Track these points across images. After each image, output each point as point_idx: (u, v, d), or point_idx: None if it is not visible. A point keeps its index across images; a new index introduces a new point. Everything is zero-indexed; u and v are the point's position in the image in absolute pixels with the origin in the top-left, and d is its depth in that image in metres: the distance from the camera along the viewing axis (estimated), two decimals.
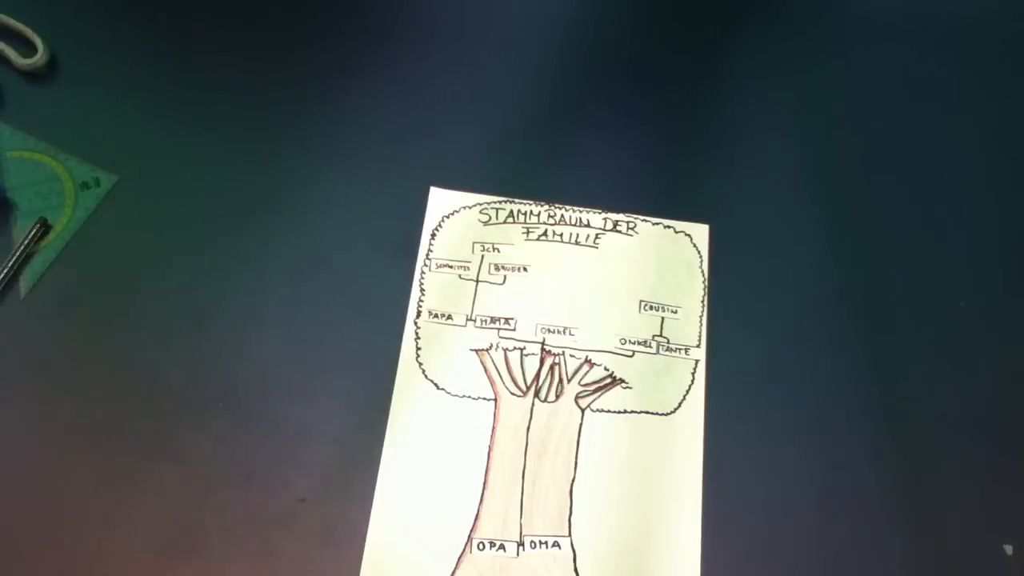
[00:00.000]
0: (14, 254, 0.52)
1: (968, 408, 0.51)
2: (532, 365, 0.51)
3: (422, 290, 0.53)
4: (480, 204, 0.55)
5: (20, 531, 0.46)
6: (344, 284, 0.53)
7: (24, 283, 0.52)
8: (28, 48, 0.57)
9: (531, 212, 0.55)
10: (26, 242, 0.52)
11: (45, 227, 0.53)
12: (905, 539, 0.48)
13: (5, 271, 0.51)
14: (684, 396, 0.51)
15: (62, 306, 0.51)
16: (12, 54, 0.57)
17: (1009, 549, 0.48)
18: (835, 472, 0.49)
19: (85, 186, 0.55)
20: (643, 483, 0.49)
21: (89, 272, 0.52)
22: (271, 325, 0.52)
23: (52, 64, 0.58)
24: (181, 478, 0.47)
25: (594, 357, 0.52)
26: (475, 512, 0.48)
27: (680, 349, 0.52)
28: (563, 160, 0.57)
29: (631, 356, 0.52)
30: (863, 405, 0.51)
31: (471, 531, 0.47)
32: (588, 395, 0.51)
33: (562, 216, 0.55)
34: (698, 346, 0.52)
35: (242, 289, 0.52)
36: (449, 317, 0.52)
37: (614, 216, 0.55)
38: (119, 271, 0.53)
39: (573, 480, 0.49)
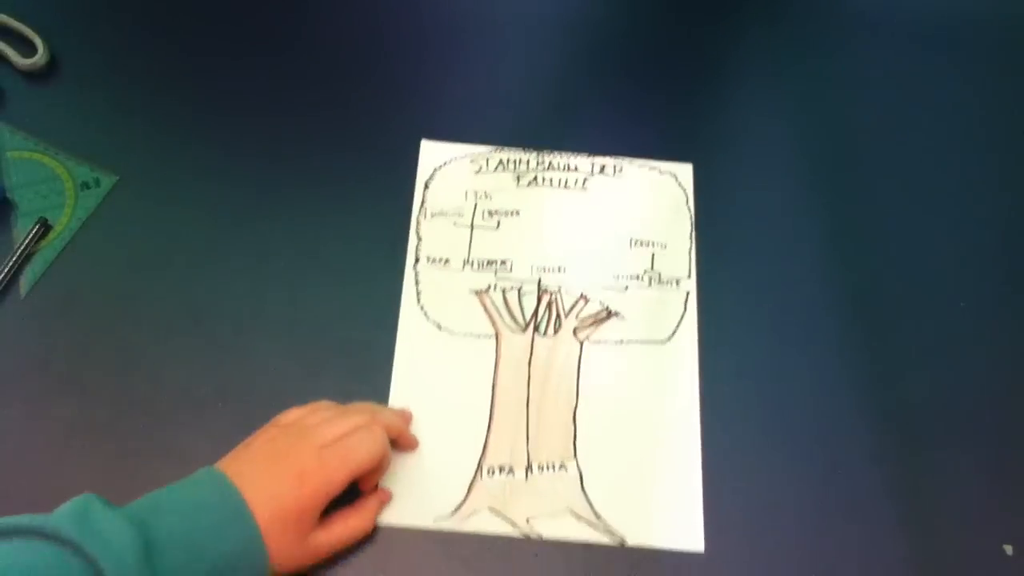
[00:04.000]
0: (14, 254, 0.52)
1: (968, 408, 0.51)
2: (530, 303, 0.53)
3: (419, 238, 0.54)
4: (470, 154, 0.57)
5: None
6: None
7: (24, 283, 0.52)
8: (28, 48, 0.57)
9: (520, 160, 0.57)
10: (26, 242, 0.52)
11: (45, 227, 0.53)
12: (905, 539, 0.48)
13: (5, 271, 0.51)
14: (677, 324, 0.53)
15: (62, 306, 0.51)
16: (12, 54, 0.57)
17: (1009, 549, 0.48)
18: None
19: (85, 186, 0.55)
20: (643, 406, 0.50)
21: (89, 272, 0.52)
22: (271, 323, 0.52)
23: (52, 64, 0.58)
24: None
25: (589, 293, 0.54)
26: (483, 442, 0.49)
27: (671, 281, 0.54)
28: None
29: (625, 290, 0.54)
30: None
31: (480, 459, 0.49)
32: (585, 328, 0.52)
33: (550, 162, 0.57)
34: (689, 277, 0.54)
35: (242, 289, 0.52)
36: (447, 262, 0.54)
37: (601, 160, 0.57)
38: (119, 271, 0.53)
39: (576, 407, 0.50)
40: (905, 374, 0.52)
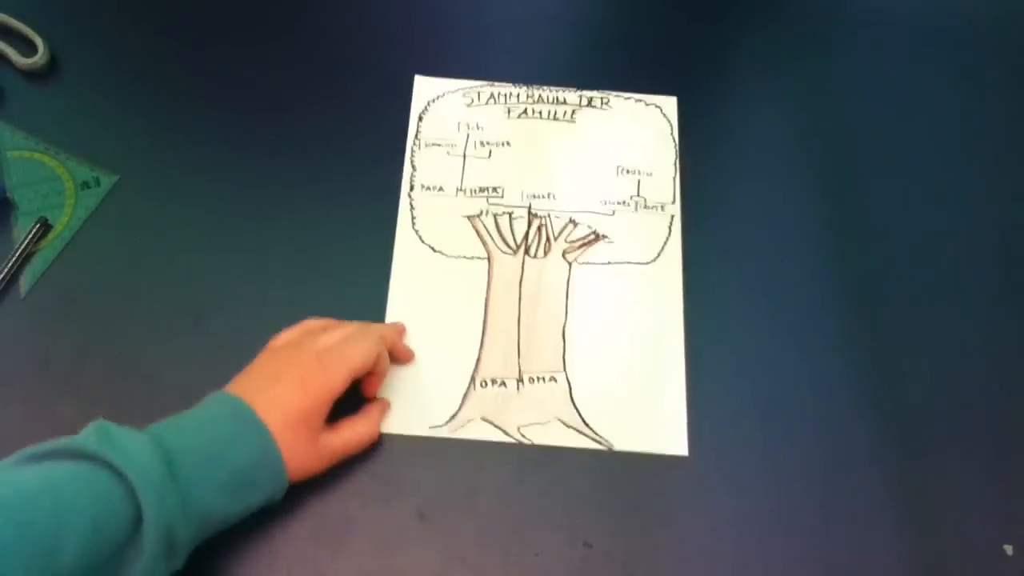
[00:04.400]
0: (14, 254, 0.52)
1: (968, 408, 0.51)
2: (521, 227, 0.56)
3: (413, 167, 0.57)
4: (463, 88, 0.60)
5: None
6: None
7: (24, 283, 0.52)
8: (28, 48, 0.57)
9: (511, 93, 0.60)
10: (26, 242, 0.52)
11: (45, 227, 0.53)
12: (905, 539, 0.48)
13: (5, 271, 0.51)
14: (662, 247, 0.55)
15: (62, 306, 0.51)
16: (12, 54, 0.57)
17: (1009, 549, 0.48)
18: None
19: (85, 186, 0.55)
20: (629, 322, 0.53)
21: (89, 272, 0.52)
22: (271, 323, 0.52)
23: (52, 64, 0.58)
24: None
25: (577, 217, 0.56)
26: (476, 356, 0.52)
27: (657, 206, 0.57)
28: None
29: (612, 215, 0.56)
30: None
31: (474, 372, 0.51)
32: (574, 250, 0.55)
33: (540, 96, 0.60)
34: (673, 202, 0.57)
35: (242, 288, 0.52)
36: (440, 189, 0.56)
37: (588, 93, 0.60)
38: (119, 271, 0.53)
39: (565, 324, 0.53)
40: (903, 364, 0.52)
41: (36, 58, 0.57)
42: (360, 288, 0.53)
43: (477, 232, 0.55)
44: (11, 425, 0.48)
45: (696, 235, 0.56)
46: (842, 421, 0.51)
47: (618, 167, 0.58)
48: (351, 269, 0.53)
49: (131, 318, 0.51)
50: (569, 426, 0.50)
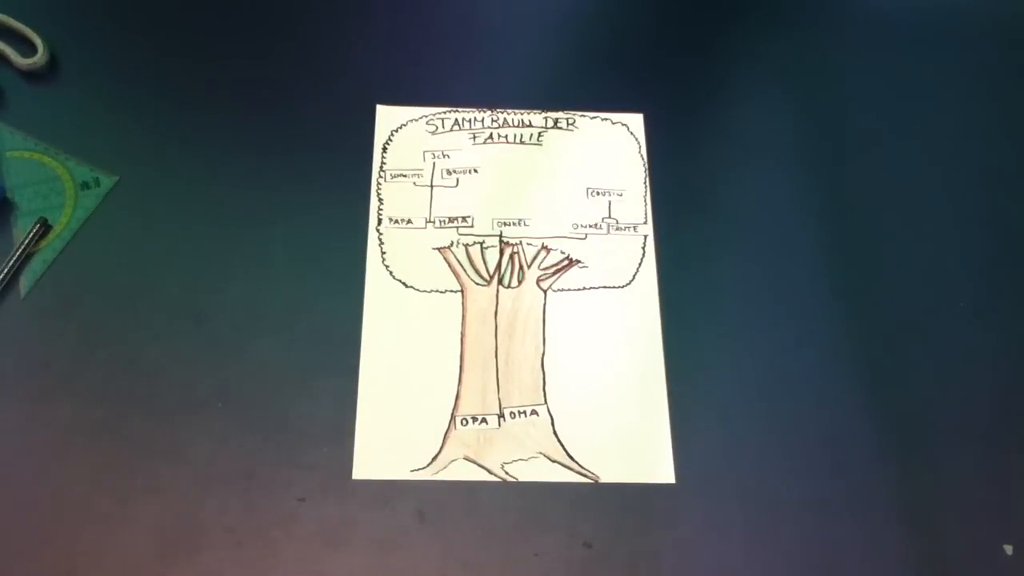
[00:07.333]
0: (14, 254, 0.52)
1: (968, 408, 0.51)
2: (493, 256, 0.55)
3: (380, 200, 0.56)
4: (426, 116, 0.58)
5: (20, 531, 0.46)
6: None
7: (24, 283, 0.52)
8: (28, 48, 0.57)
9: (475, 118, 0.59)
10: (26, 242, 0.52)
11: (45, 227, 0.53)
12: (905, 539, 0.48)
13: (5, 271, 0.51)
14: (637, 269, 0.55)
15: (62, 306, 0.51)
16: (12, 54, 0.57)
17: (1009, 549, 0.48)
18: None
19: (85, 186, 0.55)
20: (608, 349, 0.52)
21: (89, 272, 0.52)
22: (271, 323, 0.52)
23: (52, 64, 0.58)
24: (181, 478, 0.47)
25: (549, 243, 0.55)
26: (455, 393, 0.51)
27: (629, 227, 0.56)
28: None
29: (584, 239, 0.56)
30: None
31: (453, 410, 0.50)
32: (548, 277, 0.54)
33: (505, 119, 0.59)
34: (645, 223, 0.56)
35: (242, 289, 0.52)
36: (409, 221, 0.55)
37: (554, 114, 0.59)
38: (119, 271, 0.53)
39: (543, 354, 0.52)
40: (899, 370, 0.52)
41: (36, 58, 0.57)
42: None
43: (448, 264, 0.54)
44: (11, 425, 0.48)
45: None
46: (835, 428, 0.51)
47: (588, 189, 0.57)
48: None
49: (131, 318, 0.51)
50: (554, 460, 0.49)
